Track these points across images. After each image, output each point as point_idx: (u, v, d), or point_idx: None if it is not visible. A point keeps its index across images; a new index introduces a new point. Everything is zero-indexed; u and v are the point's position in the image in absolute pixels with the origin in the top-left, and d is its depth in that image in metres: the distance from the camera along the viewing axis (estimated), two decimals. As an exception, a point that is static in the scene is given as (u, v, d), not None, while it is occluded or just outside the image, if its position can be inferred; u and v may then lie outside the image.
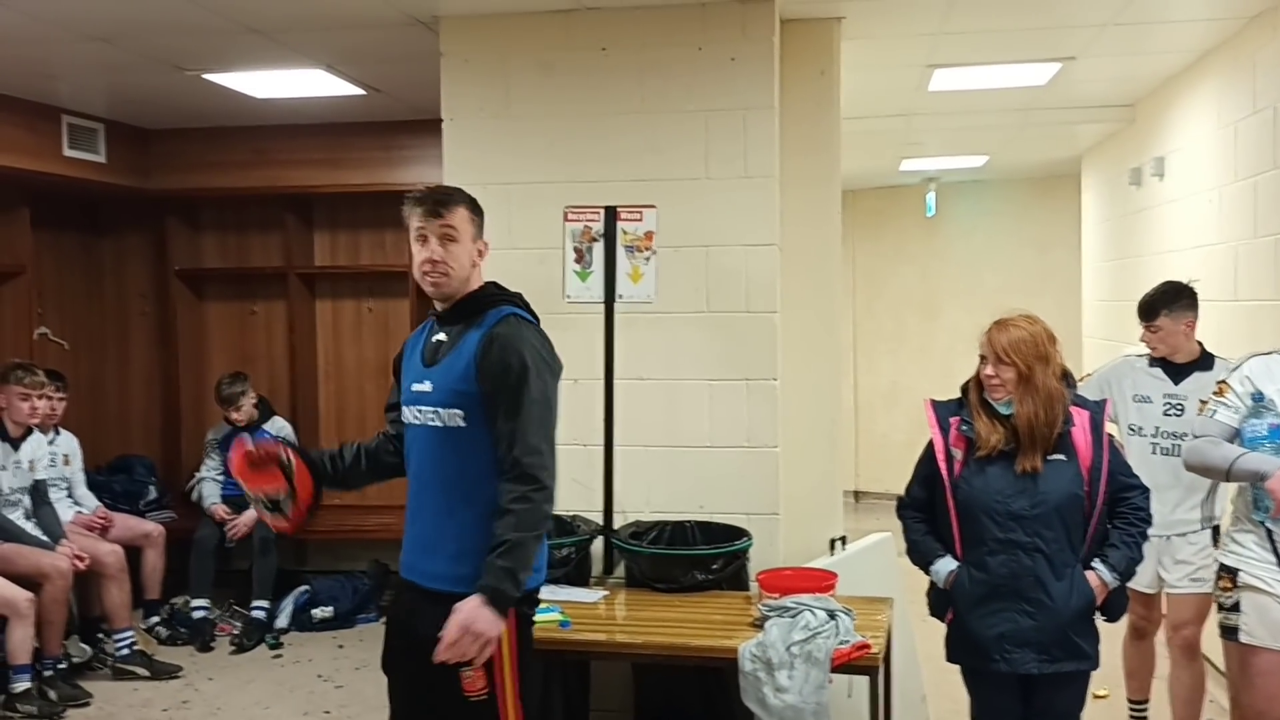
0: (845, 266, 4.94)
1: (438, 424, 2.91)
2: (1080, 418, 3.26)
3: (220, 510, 6.52)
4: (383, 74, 5.71)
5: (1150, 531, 3.36)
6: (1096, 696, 4.78)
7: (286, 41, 5.00)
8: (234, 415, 6.60)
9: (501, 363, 2.85)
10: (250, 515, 6.41)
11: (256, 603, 6.35)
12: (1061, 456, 3.20)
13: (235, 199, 7.20)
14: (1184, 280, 4.52)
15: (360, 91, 5.98)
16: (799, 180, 4.67)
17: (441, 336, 3.01)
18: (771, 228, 4.45)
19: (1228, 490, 3.90)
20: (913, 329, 10.48)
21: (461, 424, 2.88)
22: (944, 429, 3.33)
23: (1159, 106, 6.60)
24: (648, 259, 4.50)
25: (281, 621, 6.39)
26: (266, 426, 6.67)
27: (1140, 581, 4.12)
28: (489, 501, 2.83)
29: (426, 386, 2.94)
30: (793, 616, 3.59)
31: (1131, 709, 4.73)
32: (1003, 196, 10.31)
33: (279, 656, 6.11)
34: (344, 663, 5.72)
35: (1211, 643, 3.86)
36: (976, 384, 3.33)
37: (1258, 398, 3.33)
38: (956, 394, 3.40)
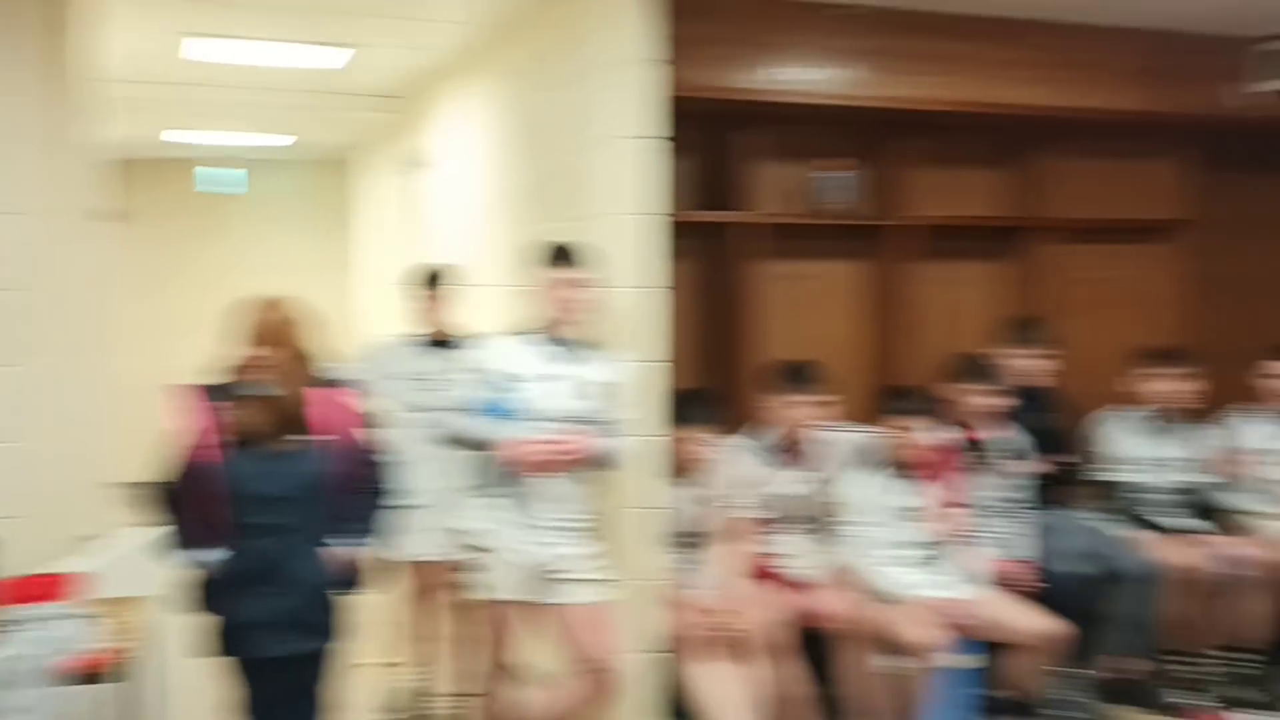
0: (127, 243, 4.53)
1: None
2: (330, 397, 3.31)
3: None
4: None
5: (416, 502, 3.57)
6: (373, 666, 4.93)
7: None
8: None
9: None
10: None
11: None
12: (311, 437, 3.23)
13: None
14: (445, 264, 4.84)
15: None
16: (54, 145, 4.19)
17: None
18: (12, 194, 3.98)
19: (474, 459, 4.20)
20: (193, 310, 9.99)
21: None
22: (204, 414, 3.22)
23: (427, 100, 6.94)
24: None
25: None
26: None
27: (414, 550, 4.34)
28: None
29: None
30: (26, 629, 3.27)
31: (414, 673, 4.94)
32: (298, 177, 10.36)
33: None
34: None
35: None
36: (238, 367, 3.28)
37: (495, 375, 3.71)
38: (220, 378, 3.31)
